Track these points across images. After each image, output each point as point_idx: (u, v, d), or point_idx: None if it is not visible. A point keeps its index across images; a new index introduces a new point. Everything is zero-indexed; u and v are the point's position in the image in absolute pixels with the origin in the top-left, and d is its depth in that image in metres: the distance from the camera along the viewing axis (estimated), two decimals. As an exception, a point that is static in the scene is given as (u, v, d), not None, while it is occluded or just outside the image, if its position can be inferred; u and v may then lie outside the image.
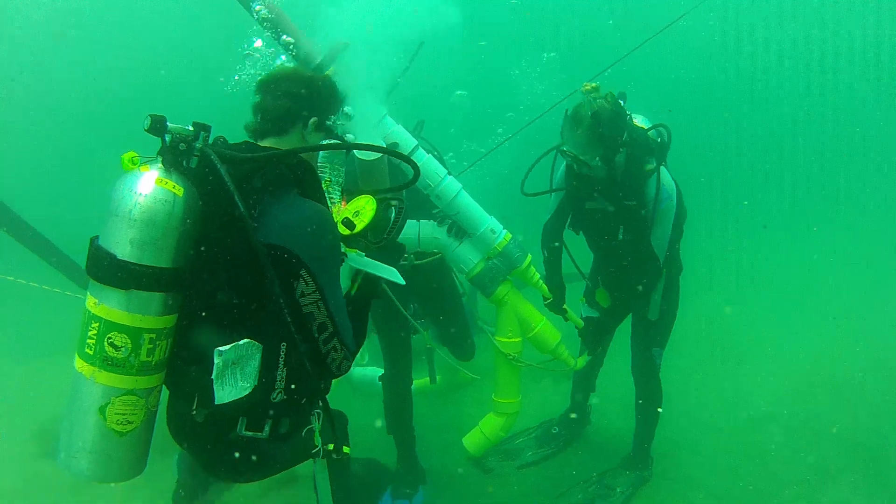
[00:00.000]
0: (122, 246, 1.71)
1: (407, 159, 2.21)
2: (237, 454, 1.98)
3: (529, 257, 3.44)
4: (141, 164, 1.75)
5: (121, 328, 1.73)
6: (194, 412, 1.91)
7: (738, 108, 16.06)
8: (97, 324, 1.73)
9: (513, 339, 3.52)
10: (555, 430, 4.70)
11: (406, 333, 3.83)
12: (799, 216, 12.18)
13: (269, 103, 2.02)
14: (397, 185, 2.40)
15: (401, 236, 3.05)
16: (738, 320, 7.25)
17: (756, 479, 4.24)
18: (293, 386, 1.94)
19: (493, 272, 3.41)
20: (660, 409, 4.02)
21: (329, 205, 2.25)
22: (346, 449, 2.31)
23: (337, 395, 4.83)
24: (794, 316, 7.33)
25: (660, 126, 3.41)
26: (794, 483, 4.20)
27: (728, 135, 15.64)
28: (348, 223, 2.09)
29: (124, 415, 1.78)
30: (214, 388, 1.81)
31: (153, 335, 1.77)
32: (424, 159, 3.23)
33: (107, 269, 1.71)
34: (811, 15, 16.77)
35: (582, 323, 3.63)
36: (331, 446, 2.21)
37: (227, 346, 1.79)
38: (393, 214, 2.21)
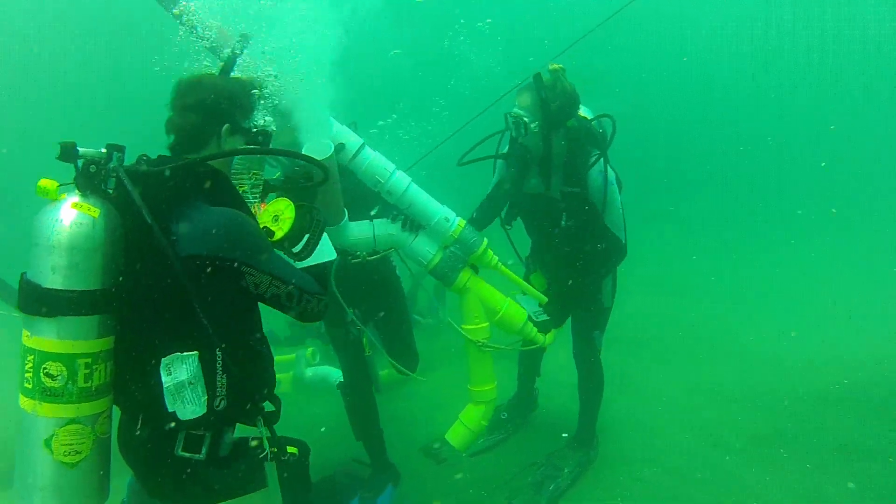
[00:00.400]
0: (46, 274, 1.74)
1: (317, 163, 2.30)
2: (177, 476, 1.94)
3: (486, 241, 3.44)
4: (60, 192, 1.79)
5: (54, 357, 1.75)
6: (138, 431, 1.92)
7: (702, 95, 16.60)
8: (32, 356, 1.76)
9: (480, 325, 3.49)
10: (503, 415, 4.77)
11: (357, 338, 3.79)
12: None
13: (178, 120, 2.02)
14: (307, 183, 2.46)
15: (357, 238, 3.21)
16: (699, 311, 7.72)
17: (707, 455, 4.45)
18: (235, 391, 1.94)
19: (453, 260, 3.39)
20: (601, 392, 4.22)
21: (250, 208, 2.25)
22: (291, 449, 2.24)
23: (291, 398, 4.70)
24: (756, 307, 7.86)
25: (604, 117, 3.61)
26: (736, 452, 4.45)
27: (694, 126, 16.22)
28: (267, 232, 2.15)
29: (71, 445, 1.78)
30: (172, 405, 1.83)
31: (88, 360, 1.78)
32: (371, 157, 3.18)
33: (34, 300, 1.74)
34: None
35: (545, 298, 3.67)
36: (274, 449, 2.18)
37: (168, 358, 1.82)
38: (310, 226, 2.23)
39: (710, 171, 14.77)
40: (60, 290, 1.73)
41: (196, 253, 1.82)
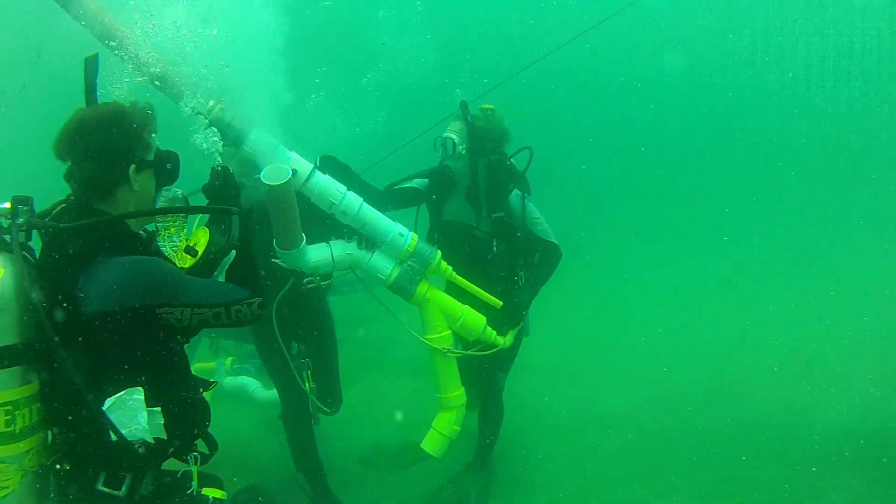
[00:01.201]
0: None
1: (225, 211, 2.29)
2: None
3: (439, 253, 3.56)
4: None
5: None
6: (57, 466, 1.93)
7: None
8: None
9: (443, 334, 3.60)
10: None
11: (300, 371, 3.80)
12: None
13: (79, 173, 1.96)
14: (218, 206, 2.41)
15: (316, 261, 3.30)
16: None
17: (601, 485, 4.64)
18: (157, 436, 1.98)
19: (410, 273, 3.47)
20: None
21: (166, 251, 2.31)
22: (215, 493, 2.22)
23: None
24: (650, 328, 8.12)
25: (524, 149, 3.95)
26: (628, 483, 4.65)
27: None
28: (190, 250, 2.23)
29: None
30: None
31: (9, 407, 1.79)
32: (322, 180, 3.23)
33: None
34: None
35: (500, 303, 3.79)
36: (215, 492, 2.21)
37: (108, 403, 1.85)
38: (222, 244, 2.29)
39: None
40: None
41: (105, 310, 1.82)
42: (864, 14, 17.32)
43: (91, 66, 2.26)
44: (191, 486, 2.11)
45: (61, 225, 1.87)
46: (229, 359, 5.87)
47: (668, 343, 7.63)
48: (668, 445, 5.14)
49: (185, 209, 2.24)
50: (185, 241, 2.33)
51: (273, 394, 5.02)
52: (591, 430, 5.47)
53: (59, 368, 1.82)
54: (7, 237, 1.82)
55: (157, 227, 2.33)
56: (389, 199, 3.87)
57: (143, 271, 1.90)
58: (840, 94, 17.55)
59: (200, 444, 2.18)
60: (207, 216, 2.49)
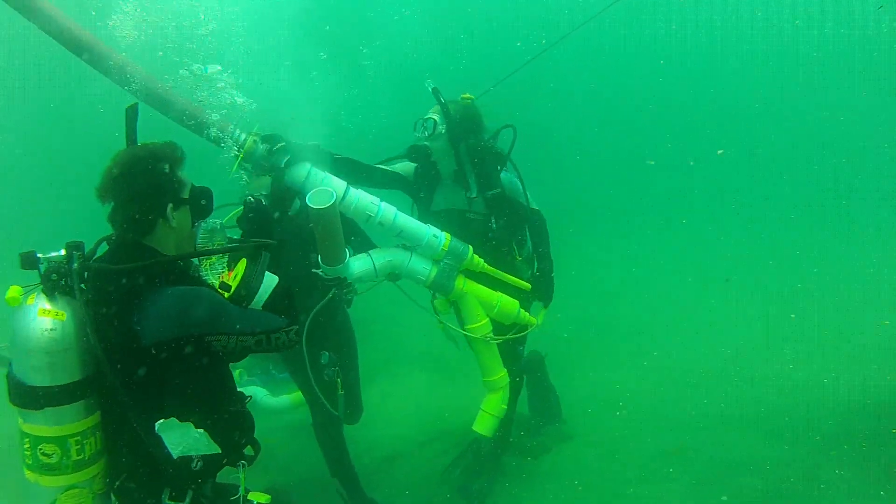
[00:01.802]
0: (28, 373, 1.95)
1: (261, 245, 2.44)
2: None
3: (471, 248, 3.78)
4: (28, 295, 1.98)
5: (47, 440, 1.98)
6: (123, 485, 2.12)
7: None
8: (27, 439, 1.98)
9: (482, 322, 3.86)
10: None
11: (332, 380, 3.91)
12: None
13: (120, 212, 2.13)
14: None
15: (360, 272, 3.51)
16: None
17: (604, 470, 4.80)
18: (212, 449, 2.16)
19: (448, 271, 3.70)
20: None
21: (209, 279, 2.48)
22: (262, 498, 2.42)
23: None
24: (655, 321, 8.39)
25: (506, 127, 4.11)
26: (633, 467, 4.82)
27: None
28: (224, 286, 2.37)
29: None
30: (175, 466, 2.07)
31: (78, 437, 2.01)
32: (357, 197, 3.44)
33: (20, 395, 1.95)
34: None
35: (529, 286, 4.07)
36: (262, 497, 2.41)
37: (159, 424, 2.01)
38: (253, 271, 2.44)
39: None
40: (42, 386, 1.93)
41: (161, 339, 2.00)
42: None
43: (132, 115, 2.43)
44: (238, 493, 2.32)
45: (116, 267, 2.04)
46: (238, 371, 5.91)
47: (670, 328, 7.92)
48: (667, 429, 5.32)
49: (222, 250, 2.40)
50: (226, 269, 2.50)
51: (280, 400, 5.39)
52: (592, 414, 5.67)
53: (117, 398, 1.99)
54: (64, 281, 1.99)
55: (199, 259, 2.48)
56: (373, 174, 3.97)
57: (193, 298, 2.08)
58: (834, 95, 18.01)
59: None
60: None
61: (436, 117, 3.90)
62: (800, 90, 18.53)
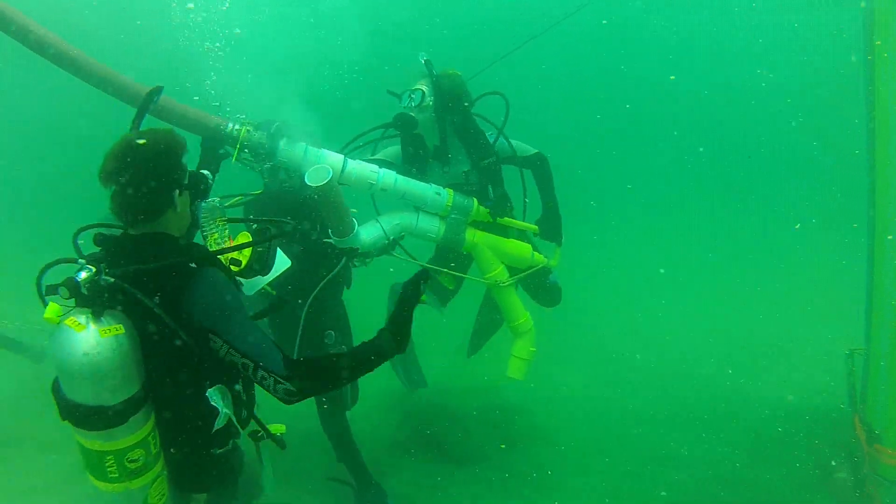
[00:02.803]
0: (89, 397, 1.89)
1: (272, 237, 2.47)
2: (213, 470, 2.29)
3: (475, 199, 3.83)
4: (67, 317, 1.91)
5: (132, 448, 1.98)
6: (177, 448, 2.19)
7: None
8: (110, 457, 1.96)
9: (498, 270, 3.92)
10: None
11: None
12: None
13: (124, 200, 2.05)
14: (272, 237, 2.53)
15: (371, 239, 3.53)
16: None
17: (542, 459, 4.78)
18: (242, 407, 2.28)
19: (456, 225, 3.76)
20: None
21: (220, 252, 2.44)
22: (277, 428, 2.54)
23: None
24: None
25: (492, 94, 4.07)
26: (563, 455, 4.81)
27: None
28: (234, 261, 2.42)
29: (160, 492, 2.14)
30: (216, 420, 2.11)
31: (149, 437, 2.04)
32: (356, 166, 3.46)
33: (89, 419, 1.90)
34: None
35: (535, 227, 4.11)
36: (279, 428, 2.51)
37: (210, 392, 2.07)
38: (265, 248, 2.49)
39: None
40: (121, 401, 1.90)
41: (204, 326, 2.02)
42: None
43: (151, 97, 2.41)
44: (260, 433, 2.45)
45: (146, 267, 2.00)
46: None
47: (627, 326, 7.97)
48: (606, 424, 5.34)
49: (250, 244, 2.37)
50: (228, 241, 2.54)
51: None
52: (539, 410, 5.57)
53: (164, 376, 2.06)
54: (106, 295, 1.94)
55: (203, 235, 2.52)
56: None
57: (217, 289, 2.07)
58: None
59: None
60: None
61: (424, 88, 3.84)
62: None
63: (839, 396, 4.84)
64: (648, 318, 8.14)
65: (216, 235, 2.54)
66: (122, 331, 1.91)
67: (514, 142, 4.04)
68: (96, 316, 1.89)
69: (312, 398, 2.41)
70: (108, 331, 1.87)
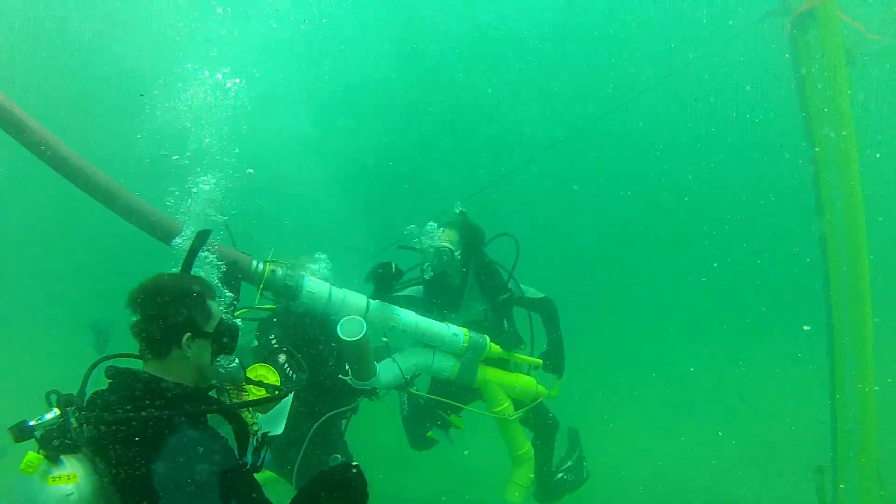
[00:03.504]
0: None
1: (283, 395, 2.52)
2: None
3: (487, 337, 4.05)
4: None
5: None
6: None
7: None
8: None
9: (505, 404, 4.15)
10: None
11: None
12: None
13: (142, 329, 2.10)
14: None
15: (389, 379, 3.75)
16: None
17: None
18: None
19: (470, 364, 3.98)
20: None
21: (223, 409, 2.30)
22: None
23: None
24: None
25: (502, 235, 4.42)
26: None
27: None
28: (260, 384, 2.49)
29: None
30: None
31: None
32: (378, 311, 3.67)
33: None
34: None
35: (541, 361, 4.34)
36: None
37: None
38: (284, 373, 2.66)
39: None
40: None
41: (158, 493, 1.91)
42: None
43: (201, 240, 2.53)
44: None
45: (111, 417, 1.93)
46: None
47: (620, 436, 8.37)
48: None
49: (247, 404, 2.32)
50: (243, 396, 2.50)
51: None
52: None
53: None
54: (66, 440, 1.88)
55: (216, 388, 2.45)
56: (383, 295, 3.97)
57: (191, 464, 1.93)
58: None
59: None
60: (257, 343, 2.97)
61: (449, 245, 4.08)
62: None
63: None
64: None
65: (232, 393, 2.47)
66: (77, 479, 1.86)
67: (528, 288, 4.37)
68: (49, 460, 1.85)
69: None
70: (59, 478, 1.84)
